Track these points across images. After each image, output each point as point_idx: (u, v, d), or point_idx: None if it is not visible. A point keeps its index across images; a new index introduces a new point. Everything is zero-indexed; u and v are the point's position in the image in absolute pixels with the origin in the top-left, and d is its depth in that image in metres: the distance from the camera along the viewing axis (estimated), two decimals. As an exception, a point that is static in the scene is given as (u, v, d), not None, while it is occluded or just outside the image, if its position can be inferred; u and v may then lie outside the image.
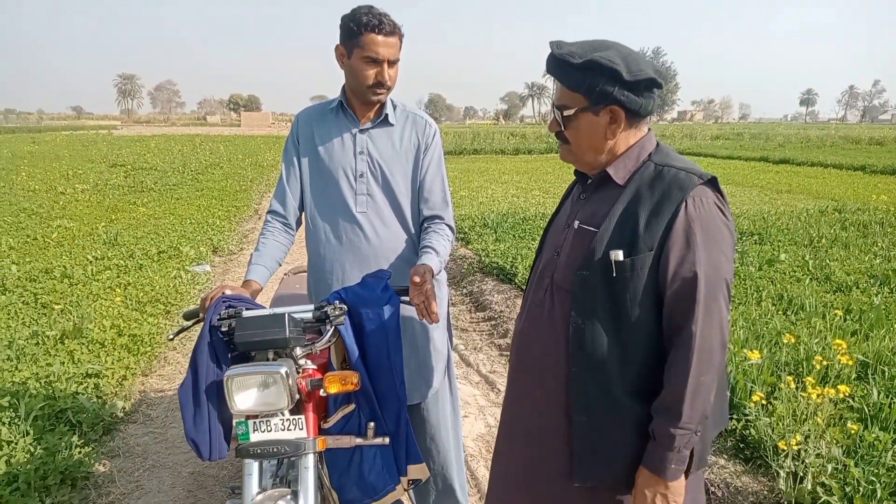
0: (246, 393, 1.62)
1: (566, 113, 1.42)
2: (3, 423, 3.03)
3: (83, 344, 4.11)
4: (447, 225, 2.20)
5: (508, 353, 1.75)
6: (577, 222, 1.48)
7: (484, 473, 3.05)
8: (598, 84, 1.35)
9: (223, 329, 1.71)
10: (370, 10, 1.99)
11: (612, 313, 1.38)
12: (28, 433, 3.00)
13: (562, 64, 1.38)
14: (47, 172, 15.28)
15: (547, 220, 1.70)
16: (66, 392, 3.46)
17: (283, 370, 1.60)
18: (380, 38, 1.97)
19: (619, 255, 1.34)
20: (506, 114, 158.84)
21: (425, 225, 2.20)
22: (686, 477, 1.38)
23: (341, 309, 1.79)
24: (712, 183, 1.37)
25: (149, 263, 6.36)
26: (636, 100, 1.36)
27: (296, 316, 1.73)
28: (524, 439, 1.59)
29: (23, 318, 4.60)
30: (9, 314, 4.69)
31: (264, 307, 1.85)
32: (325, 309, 1.78)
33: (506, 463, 1.69)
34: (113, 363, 3.89)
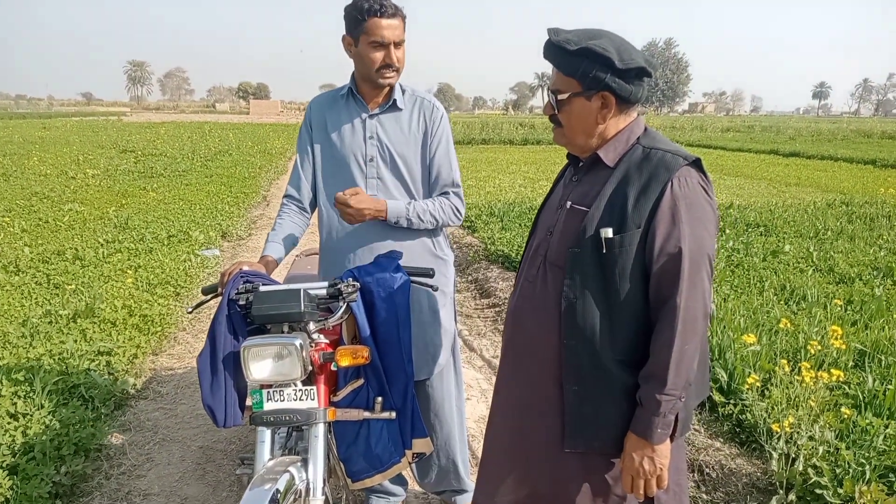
0: (262, 363, 1.69)
1: (560, 97, 1.49)
2: (19, 397, 3.13)
3: (95, 323, 4.20)
4: (455, 193, 2.26)
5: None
6: (569, 202, 1.55)
7: (484, 452, 3.12)
8: (591, 70, 1.41)
9: (241, 303, 1.78)
10: None
11: (603, 288, 1.45)
12: (43, 406, 3.09)
13: (558, 50, 1.45)
14: (58, 157, 15.37)
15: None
16: (79, 368, 3.55)
17: (297, 342, 1.66)
18: (383, 21, 2.01)
19: (608, 232, 1.41)
20: (515, 104, 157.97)
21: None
22: (671, 441, 1.45)
23: (354, 286, 1.85)
24: (696, 164, 1.43)
25: (159, 247, 6.44)
26: (626, 87, 1.43)
27: (311, 292, 1.79)
28: (518, 409, 1.65)
29: (36, 298, 4.70)
30: (23, 294, 4.79)
31: (280, 283, 1.92)
32: (339, 286, 1.84)
33: (500, 432, 1.75)
34: (124, 342, 3.98)
